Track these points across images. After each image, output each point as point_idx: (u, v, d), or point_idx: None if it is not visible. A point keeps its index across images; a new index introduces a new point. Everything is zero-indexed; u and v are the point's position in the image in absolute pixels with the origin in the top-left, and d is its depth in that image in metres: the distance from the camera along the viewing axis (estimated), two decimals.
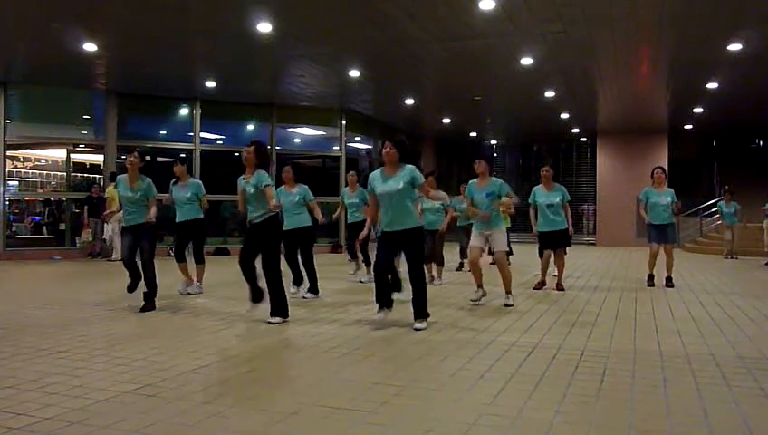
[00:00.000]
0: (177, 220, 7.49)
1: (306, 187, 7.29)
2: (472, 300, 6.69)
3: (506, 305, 6.53)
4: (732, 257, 13.85)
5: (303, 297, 7.09)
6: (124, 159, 14.00)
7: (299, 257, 7.21)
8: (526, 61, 10.79)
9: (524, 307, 6.56)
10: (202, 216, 7.57)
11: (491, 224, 6.54)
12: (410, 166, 5.38)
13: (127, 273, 6.42)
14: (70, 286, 8.69)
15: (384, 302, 5.47)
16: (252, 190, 5.55)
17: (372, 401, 3.29)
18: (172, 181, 7.53)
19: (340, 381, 3.74)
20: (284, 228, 6.94)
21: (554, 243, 7.88)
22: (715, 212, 15.87)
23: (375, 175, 5.46)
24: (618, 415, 3.15)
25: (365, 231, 6.63)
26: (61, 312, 6.21)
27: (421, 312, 5.34)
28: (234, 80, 12.57)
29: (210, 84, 12.83)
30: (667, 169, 18.29)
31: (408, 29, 9.16)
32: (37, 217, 15.28)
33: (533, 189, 7.96)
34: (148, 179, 6.36)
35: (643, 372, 3.93)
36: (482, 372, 3.89)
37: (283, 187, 7.22)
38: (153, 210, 6.28)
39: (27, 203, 15.34)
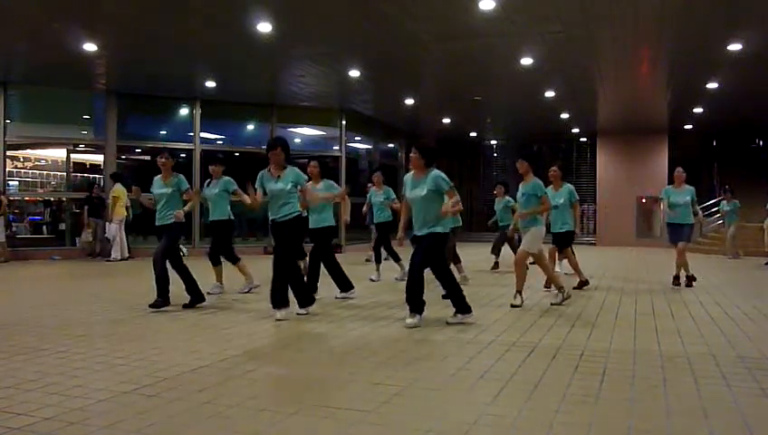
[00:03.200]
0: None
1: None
2: (512, 305, 6.61)
3: (512, 306, 6.56)
4: (735, 257, 13.68)
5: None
6: (124, 159, 14.16)
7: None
8: (526, 61, 10.78)
9: (524, 307, 6.55)
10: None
11: (527, 223, 6.83)
12: (435, 171, 5.47)
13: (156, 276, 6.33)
14: (69, 286, 8.68)
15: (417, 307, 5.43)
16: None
17: (372, 401, 3.29)
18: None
19: (340, 381, 3.74)
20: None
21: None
22: (716, 212, 15.85)
23: (406, 178, 5.69)
24: (618, 415, 3.14)
25: (400, 233, 6.12)
26: (61, 312, 6.21)
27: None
28: (234, 80, 12.56)
29: (210, 84, 12.83)
30: (666, 169, 18.58)
31: (408, 29, 9.15)
32: (36, 217, 15.26)
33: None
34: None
35: (643, 372, 3.93)
36: (482, 372, 3.89)
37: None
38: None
39: (27, 203, 15.31)
